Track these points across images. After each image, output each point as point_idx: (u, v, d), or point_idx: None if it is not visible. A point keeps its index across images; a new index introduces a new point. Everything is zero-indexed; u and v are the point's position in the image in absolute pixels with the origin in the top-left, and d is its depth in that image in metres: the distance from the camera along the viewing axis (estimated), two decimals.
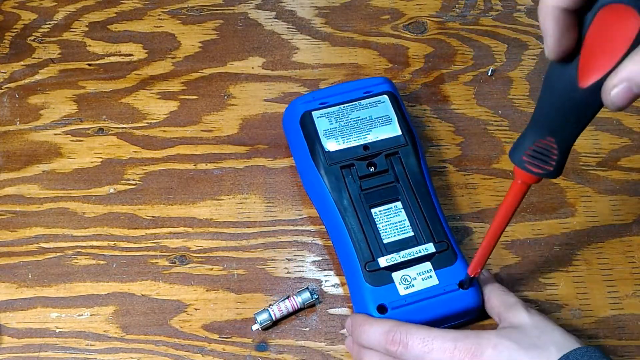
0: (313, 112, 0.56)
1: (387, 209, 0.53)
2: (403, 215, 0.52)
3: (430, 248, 0.51)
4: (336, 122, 0.55)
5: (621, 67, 0.31)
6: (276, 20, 0.69)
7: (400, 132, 0.55)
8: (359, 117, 0.56)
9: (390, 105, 0.56)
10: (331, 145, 0.54)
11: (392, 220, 0.52)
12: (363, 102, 0.56)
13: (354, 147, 0.54)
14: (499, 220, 0.44)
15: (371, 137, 0.55)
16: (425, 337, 0.44)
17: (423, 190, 0.53)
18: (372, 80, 0.58)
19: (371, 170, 0.53)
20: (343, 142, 0.55)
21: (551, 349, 0.43)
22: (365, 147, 0.54)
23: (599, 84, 0.33)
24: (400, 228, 0.52)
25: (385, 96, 0.57)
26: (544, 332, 0.45)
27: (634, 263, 0.55)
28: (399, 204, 0.53)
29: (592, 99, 0.34)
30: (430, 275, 0.50)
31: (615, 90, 0.31)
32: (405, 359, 0.45)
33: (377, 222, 0.52)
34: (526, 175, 0.39)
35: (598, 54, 0.33)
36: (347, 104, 0.56)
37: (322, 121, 0.55)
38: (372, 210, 0.52)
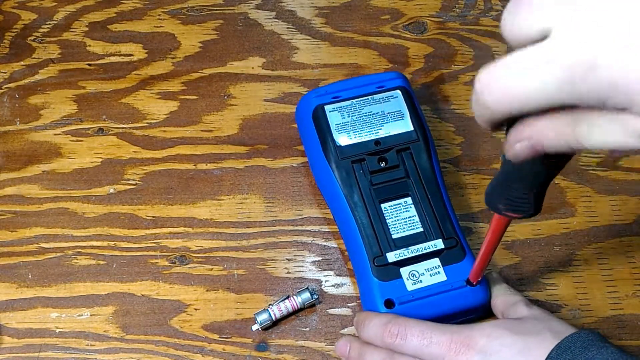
0: (325, 106, 0.56)
1: (397, 205, 0.53)
2: (413, 211, 0.52)
3: (439, 244, 0.51)
4: (348, 117, 0.55)
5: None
6: (276, 20, 0.69)
7: (412, 128, 0.55)
8: (371, 111, 0.56)
9: (403, 101, 0.56)
10: (343, 139, 0.54)
11: (401, 216, 0.52)
12: (376, 96, 0.56)
13: (365, 141, 0.54)
14: (491, 238, 0.43)
15: (383, 132, 0.55)
16: (423, 330, 0.45)
17: (433, 187, 0.53)
18: (386, 74, 0.58)
19: (382, 165, 0.53)
20: (355, 137, 0.55)
21: (546, 334, 0.43)
22: (377, 142, 0.54)
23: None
24: (409, 224, 0.52)
25: (398, 91, 0.57)
26: (541, 321, 0.45)
27: (634, 263, 0.55)
28: (409, 200, 0.53)
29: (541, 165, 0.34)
30: (438, 272, 0.50)
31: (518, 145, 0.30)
32: (403, 351, 0.45)
33: (386, 218, 0.52)
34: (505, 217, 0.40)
35: None
36: (359, 99, 0.56)
37: (334, 115, 0.55)
38: (382, 206, 0.52)
